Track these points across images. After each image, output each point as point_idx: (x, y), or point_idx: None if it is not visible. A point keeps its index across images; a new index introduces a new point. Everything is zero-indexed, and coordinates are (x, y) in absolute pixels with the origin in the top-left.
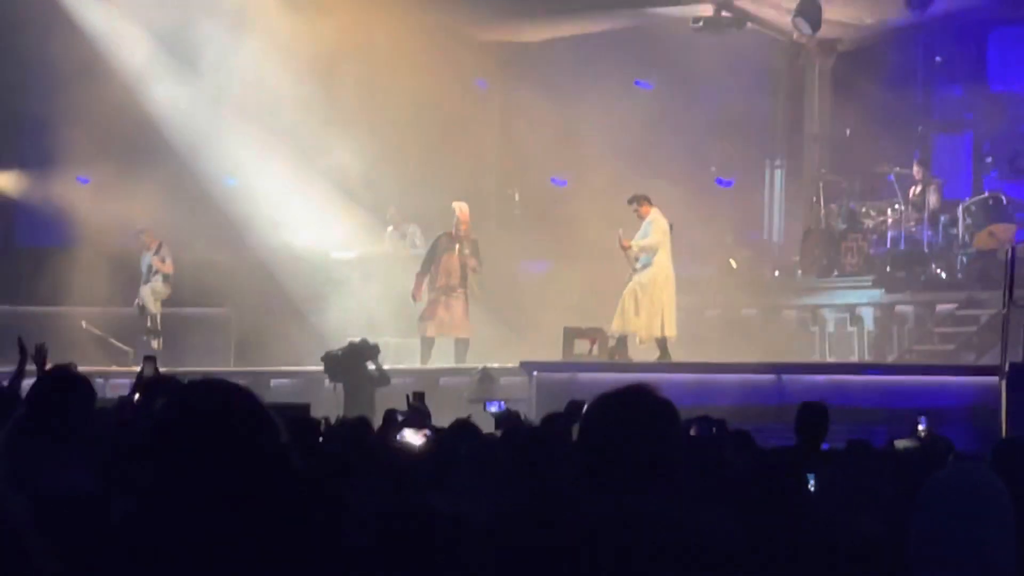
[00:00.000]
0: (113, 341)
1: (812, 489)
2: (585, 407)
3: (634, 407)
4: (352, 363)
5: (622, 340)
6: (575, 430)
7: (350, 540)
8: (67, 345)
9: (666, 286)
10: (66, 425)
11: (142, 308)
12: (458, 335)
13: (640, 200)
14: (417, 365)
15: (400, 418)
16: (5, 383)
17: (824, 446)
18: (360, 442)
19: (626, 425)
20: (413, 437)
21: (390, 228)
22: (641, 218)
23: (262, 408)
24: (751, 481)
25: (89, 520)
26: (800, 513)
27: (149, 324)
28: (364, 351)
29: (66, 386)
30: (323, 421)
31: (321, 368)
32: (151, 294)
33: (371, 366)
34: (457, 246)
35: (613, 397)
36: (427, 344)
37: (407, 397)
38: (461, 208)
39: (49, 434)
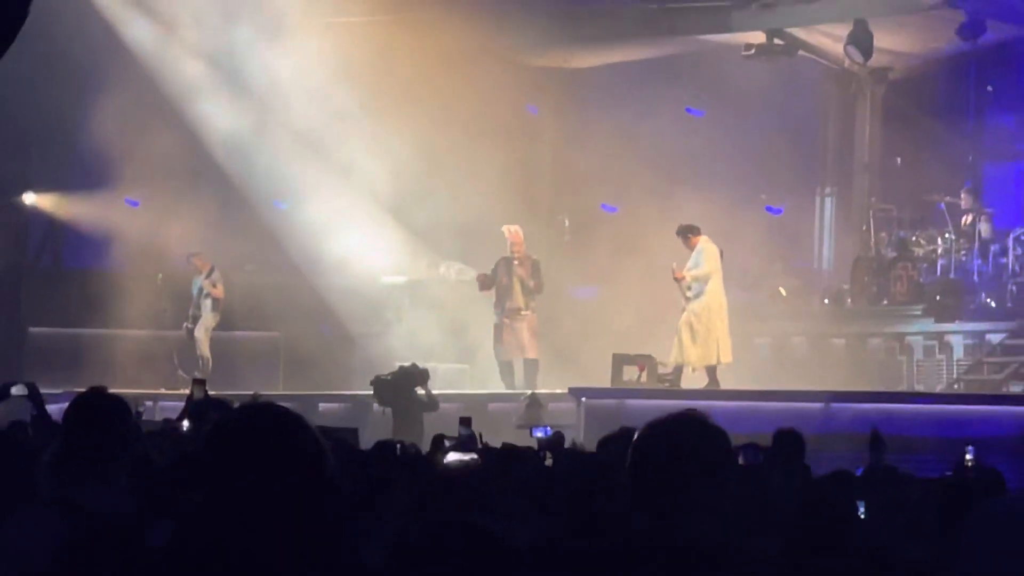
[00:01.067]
0: (175, 358)
1: (862, 516)
2: (637, 433)
3: (686, 434)
4: (402, 388)
5: (677, 370)
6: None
7: (390, 559)
8: (115, 367)
9: (719, 313)
10: (103, 446)
11: (191, 331)
12: (525, 356)
13: (687, 231)
14: (466, 390)
15: (448, 443)
16: (35, 412)
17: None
18: (406, 464)
19: (678, 452)
20: (459, 460)
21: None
22: (690, 249)
23: (312, 433)
24: (800, 508)
25: (129, 540)
26: (849, 540)
27: (200, 365)
28: (414, 376)
29: (100, 407)
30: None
31: (370, 392)
32: (204, 333)
33: (420, 391)
34: (514, 268)
35: (666, 423)
36: (505, 368)
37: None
38: (510, 230)
39: (87, 455)
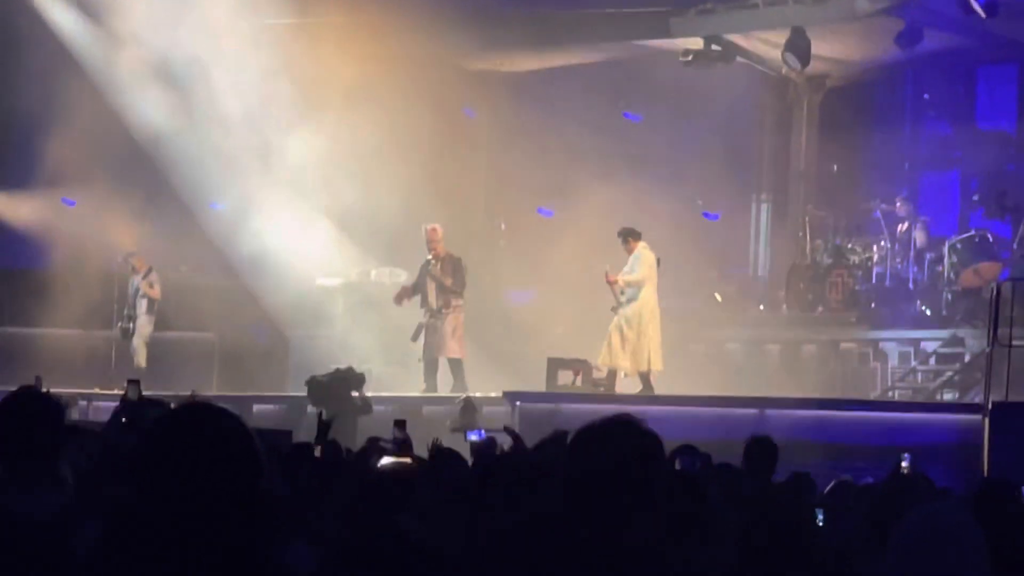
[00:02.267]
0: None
1: (820, 524)
2: (571, 436)
3: (619, 438)
4: (337, 390)
5: (611, 374)
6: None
7: (323, 562)
8: (49, 367)
9: (652, 320)
10: (32, 445)
11: (125, 331)
12: (448, 355)
13: (628, 234)
14: (399, 393)
15: (383, 445)
16: None
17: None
18: (338, 466)
19: (611, 456)
20: (394, 463)
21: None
22: (628, 252)
23: (249, 435)
24: (755, 516)
25: (56, 541)
26: (807, 550)
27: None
28: (350, 379)
29: (31, 405)
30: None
31: (304, 394)
32: (142, 343)
33: (355, 394)
34: (430, 268)
35: (599, 427)
36: (429, 367)
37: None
38: (427, 228)
39: (15, 454)
